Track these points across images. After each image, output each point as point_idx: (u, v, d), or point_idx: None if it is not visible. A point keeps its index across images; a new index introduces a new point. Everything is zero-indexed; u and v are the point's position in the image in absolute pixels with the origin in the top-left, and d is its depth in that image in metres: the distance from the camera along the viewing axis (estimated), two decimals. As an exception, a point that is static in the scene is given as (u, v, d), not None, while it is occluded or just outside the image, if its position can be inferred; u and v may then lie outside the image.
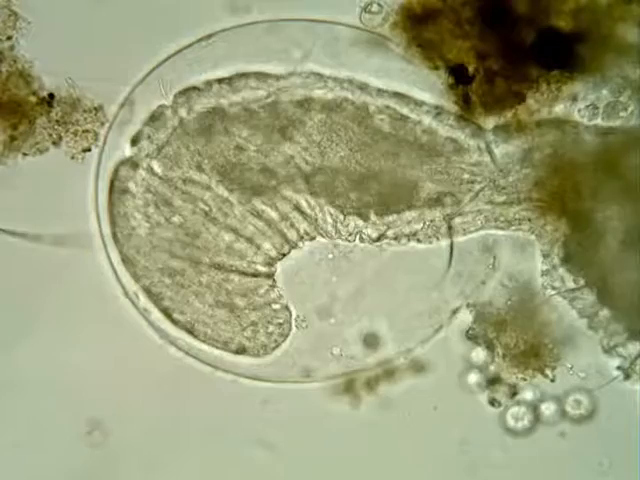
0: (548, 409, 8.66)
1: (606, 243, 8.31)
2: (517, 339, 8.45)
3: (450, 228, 8.43)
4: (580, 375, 8.56)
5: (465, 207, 8.42)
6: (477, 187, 8.45)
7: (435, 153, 8.40)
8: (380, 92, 8.36)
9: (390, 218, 8.43)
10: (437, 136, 8.41)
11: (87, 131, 8.54)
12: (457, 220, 8.48)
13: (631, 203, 8.24)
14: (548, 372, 8.48)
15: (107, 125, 8.59)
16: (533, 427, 8.68)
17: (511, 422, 8.66)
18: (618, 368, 8.52)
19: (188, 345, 8.64)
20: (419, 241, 8.47)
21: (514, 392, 8.60)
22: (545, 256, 8.43)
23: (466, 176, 8.45)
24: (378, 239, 8.42)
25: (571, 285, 8.39)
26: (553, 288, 8.45)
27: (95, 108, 8.55)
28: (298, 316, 8.59)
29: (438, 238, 8.47)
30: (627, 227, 8.27)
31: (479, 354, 8.59)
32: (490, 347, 8.49)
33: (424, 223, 8.40)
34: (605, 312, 8.40)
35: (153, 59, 8.58)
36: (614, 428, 8.62)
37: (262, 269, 8.51)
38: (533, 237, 8.49)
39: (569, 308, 8.49)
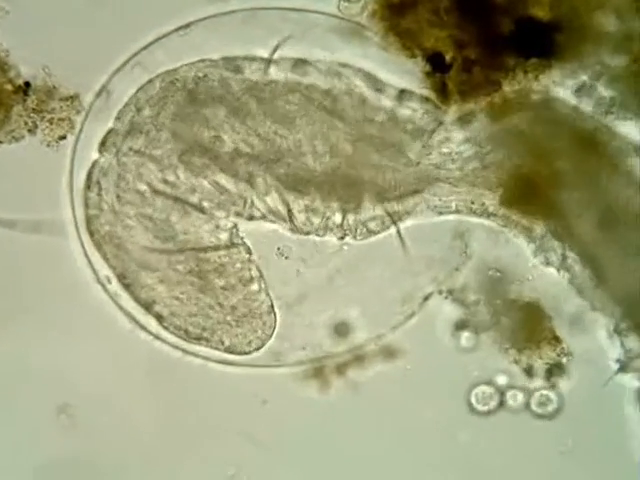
0: (514, 398, 8.69)
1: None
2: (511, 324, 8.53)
3: (396, 224, 8.46)
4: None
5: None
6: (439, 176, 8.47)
7: (400, 144, 8.41)
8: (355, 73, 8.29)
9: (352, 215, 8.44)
10: (402, 125, 8.42)
11: (63, 119, 8.53)
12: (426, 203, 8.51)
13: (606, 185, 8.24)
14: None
15: (83, 113, 8.45)
16: (497, 410, 8.73)
17: (476, 403, 8.70)
18: (617, 361, 8.57)
19: (157, 330, 8.66)
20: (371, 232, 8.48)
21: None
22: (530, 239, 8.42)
23: (429, 167, 8.47)
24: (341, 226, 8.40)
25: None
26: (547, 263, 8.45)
27: (71, 97, 8.54)
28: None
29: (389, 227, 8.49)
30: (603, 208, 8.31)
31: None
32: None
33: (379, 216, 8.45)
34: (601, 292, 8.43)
35: (131, 47, 8.56)
36: (580, 412, 8.70)
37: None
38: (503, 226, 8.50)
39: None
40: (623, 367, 8.56)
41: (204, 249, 8.56)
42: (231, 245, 8.57)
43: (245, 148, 8.48)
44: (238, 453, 8.74)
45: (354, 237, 8.54)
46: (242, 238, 8.62)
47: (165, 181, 8.48)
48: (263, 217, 8.57)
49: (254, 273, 8.64)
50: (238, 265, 8.60)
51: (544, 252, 8.48)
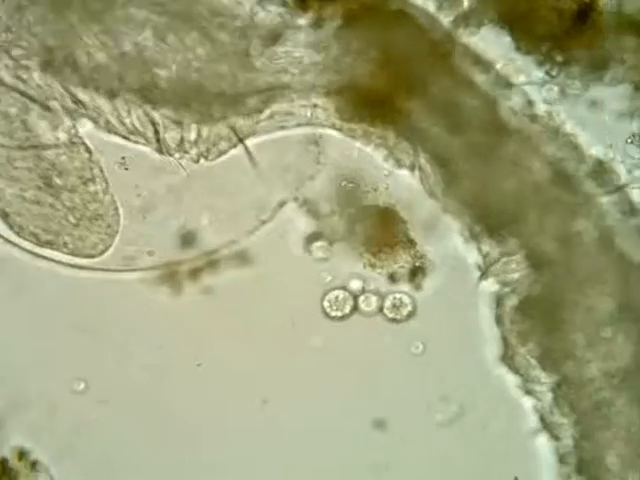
0: (368, 302, 8.58)
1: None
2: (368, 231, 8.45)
3: (242, 141, 8.43)
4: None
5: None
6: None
7: (249, 51, 8.40)
8: None
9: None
10: (255, 31, 8.40)
11: None
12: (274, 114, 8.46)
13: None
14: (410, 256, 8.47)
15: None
16: (351, 315, 8.62)
17: (329, 308, 8.59)
18: (478, 267, 8.49)
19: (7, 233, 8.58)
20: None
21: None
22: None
23: (276, 73, 8.44)
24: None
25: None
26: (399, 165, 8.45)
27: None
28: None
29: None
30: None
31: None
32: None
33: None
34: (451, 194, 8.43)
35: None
36: (435, 315, 8.61)
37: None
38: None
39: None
40: (484, 273, 8.44)
41: (43, 146, 8.44)
42: (70, 144, 8.42)
43: (105, 61, 8.39)
44: (86, 353, 8.59)
45: (206, 158, 8.44)
46: (81, 138, 8.48)
47: (17, 77, 8.38)
48: (125, 137, 8.47)
49: (96, 173, 8.51)
50: (77, 164, 8.49)
51: (395, 155, 8.42)
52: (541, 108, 8.39)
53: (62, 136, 8.49)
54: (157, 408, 8.56)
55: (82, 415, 8.59)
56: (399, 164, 8.47)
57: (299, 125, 8.54)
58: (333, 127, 8.53)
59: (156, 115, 8.41)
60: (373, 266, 8.53)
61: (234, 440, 8.56)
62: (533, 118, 8.36)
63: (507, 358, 8.49)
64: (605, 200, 8.32)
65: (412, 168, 8.46)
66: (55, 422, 8.58)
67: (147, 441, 8.56)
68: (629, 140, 8.41)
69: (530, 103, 8.38)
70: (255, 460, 8.54)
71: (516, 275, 8.42)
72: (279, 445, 8.57)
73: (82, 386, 8.57)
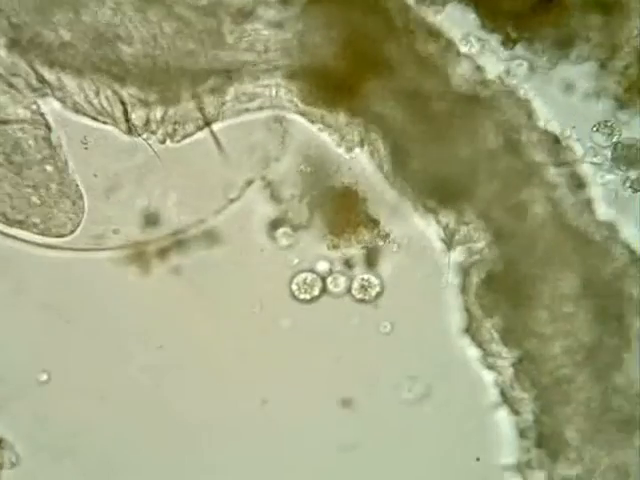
0: (336, 284, 8.57)
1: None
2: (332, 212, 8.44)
3: (209, 124, 8.33)
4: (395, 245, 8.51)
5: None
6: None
7: (218, 29, 8.27)
8: None
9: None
10: (223, 8, 8.26)
11: None
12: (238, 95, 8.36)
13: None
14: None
15: None
16: (320, 296, 8.62)
17: (297, 291, 8.57)
18: (442, 240, 8.49)
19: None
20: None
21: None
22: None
23: (242, 51, 8.31)
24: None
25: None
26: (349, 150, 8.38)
27: None
28: None
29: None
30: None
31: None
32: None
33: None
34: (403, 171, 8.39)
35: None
36: (401, 293, 8.63)
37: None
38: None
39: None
40: (449, 244, 8.47)
41: (3, 121, 8.26)
42: (32, 121, 8.26)
43: (69, 38, 8.21)
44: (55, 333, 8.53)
45: (172, 139, 8.32)
46: (42, 114, 8.32)
47: None
48: (93, 118, 8.31)
49: (58, 151, 8.37)
50: (39, 141, 8.34)
51: (347, 137, 8.40)
52: (493, 77, 8.40)
53: (23, 112, 8.28)
54: (153, 404, 8.59)
55: (48, 393, 8.58)
56: (351, 145, 8.40)
57: (263, 108, 8.44)
58: (296, 110, 8.44)
59: (125, 94, 8.23)
60: (337, 247, 8.52)
61: (226, 432, 8.63)
62: (485, 85, 8.35)
63: (471, 330, 8.54)
64: (556, 172, 8.35)
65: (361, 144, 8.39)
66: (21, 402, 8.56)
67: (147, 441, 8.57)
68: (594, 128, 8.43)
69: (481, 70, 8.38)
70: (246, 452, 8.63)
71: (480, 244, 8.44)
72: (249, 427, 8.63)
73: (45, 375, 8.57)
